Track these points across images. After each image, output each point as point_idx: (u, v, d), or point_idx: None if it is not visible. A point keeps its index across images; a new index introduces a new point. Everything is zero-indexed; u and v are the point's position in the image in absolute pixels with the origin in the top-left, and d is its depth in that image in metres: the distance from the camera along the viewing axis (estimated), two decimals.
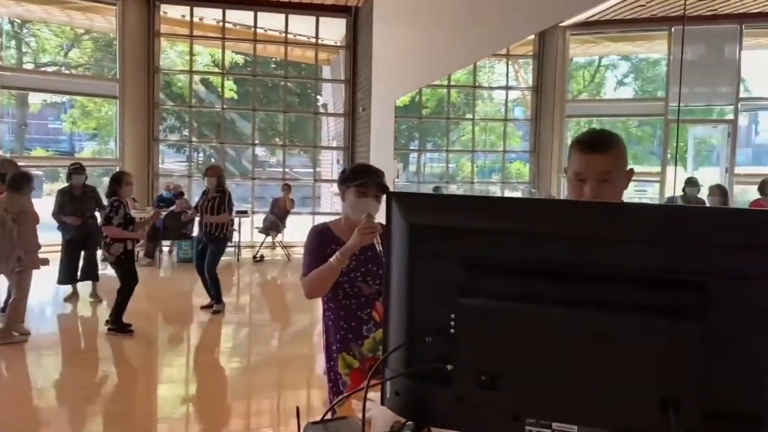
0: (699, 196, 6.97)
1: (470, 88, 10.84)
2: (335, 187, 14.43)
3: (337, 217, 2.60)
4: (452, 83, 10.66)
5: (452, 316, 1.15)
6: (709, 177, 10.35)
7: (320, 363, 2.73)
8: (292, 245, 11.96)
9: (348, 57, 12.86)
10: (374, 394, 1.28)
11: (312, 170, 13.98)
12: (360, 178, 2.46)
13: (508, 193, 10.81)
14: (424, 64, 7.74)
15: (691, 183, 7.08)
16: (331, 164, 14.94)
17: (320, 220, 15.02)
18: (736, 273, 1.00)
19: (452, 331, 1.16)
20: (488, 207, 1.18)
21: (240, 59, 14.55)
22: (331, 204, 15.23)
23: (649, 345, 1.00)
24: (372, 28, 10.63)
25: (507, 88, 10.94)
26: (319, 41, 12.90)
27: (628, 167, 1.70)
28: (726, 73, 10.13)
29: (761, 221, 1.01)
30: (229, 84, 13.84)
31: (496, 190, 11.04)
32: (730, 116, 10.34)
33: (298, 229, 12.76)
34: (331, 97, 14.83)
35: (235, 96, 14.46)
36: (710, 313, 1.01)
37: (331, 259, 2.36)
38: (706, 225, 1.03)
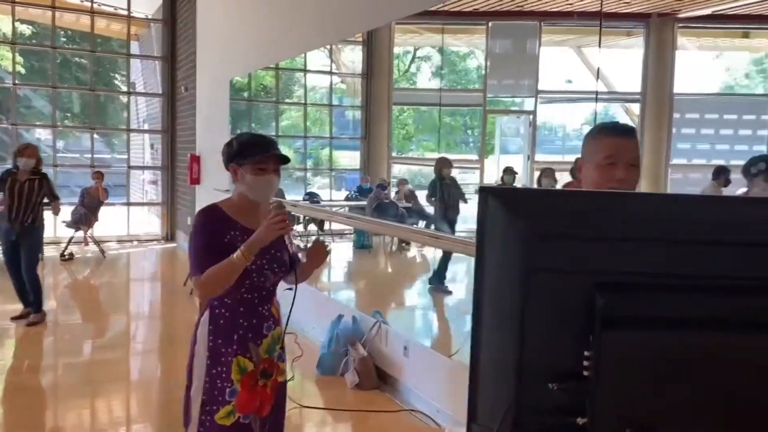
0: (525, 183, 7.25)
1: (300, 72, 10.44)
2: (147, 174, 13.26)
3: (224, 196, 2.31)
4: (280, 66, 10.17)
5: (586, 353, 0.83)
6: (514, 164, 10.98)
7: (197, 375, 2.21)
8: (105, 240, 10.75)
9: (165, 32, 11.74)
10: None
11: (125, 156, 12.62)
12: (256, 153, 2.13)
13: (319, 180, 10.67)
14: (262, 45, 7.28)
15: (509, 171, 7.40)
16: (143, 149, 13.69)
17: (136, 211, 13.78)
18: None
19: (585, 373, 0.83)
20: (637, 205, 0.87)
21: (26, 29, 12.63)
22: (143, 193, 14.00)
23: None
24: (195, 3, 9.76)
25: (331, 73, 10.72)
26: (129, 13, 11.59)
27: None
28: (528, 67, 10.81)
29: None
30: (11, 56, 11.87)
31: (318, 179, 10.84)
32: (531, 107, 11.00)
33: (111, 222, 11.47)
34: (141, 75, 13.52)
35: (22, 71, 12.51)
36: None
37: (234, 256, 2.03)
38: None
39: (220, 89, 8.86)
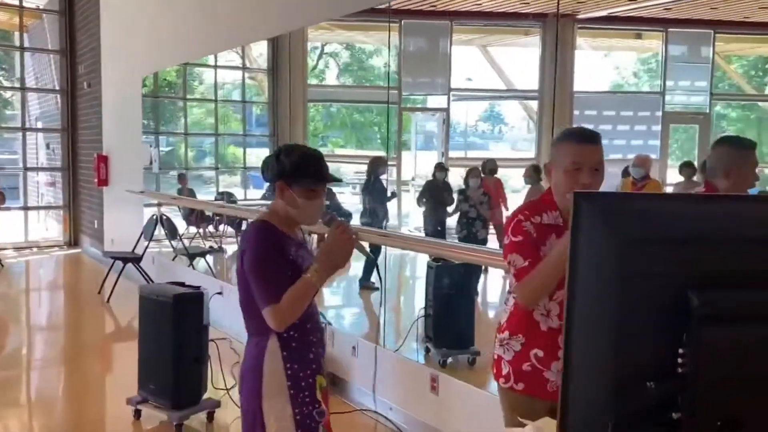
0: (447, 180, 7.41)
1: (208, 67, 10.11)
2: (42, 176, 12.39)
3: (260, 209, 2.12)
4: (189, 61, 9.83)
5: (680, 351, 0.87)
6: (429, 160, 11.18)
7: (277, 415, 1.94)
8: (1, 248, 9.96)
9: (62, 24, 11.00)
10: None
11: (20, 156, 11.71)
12: (311, 173, 1.94)
13: (226, 179, 10.51)
14: (179, 39, 7.01)
15: (441, 168, 7.53)
16: (36, 149, 12.79)
17: (34, 215, 12.89)
18: None
19: (680, 370, 0.87)
20: (727, 206, 0.92)
21: None
22: (38, 197, 13.08)
23: None
24: None
25: (243, 68, 10.50)
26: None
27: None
28: (440, 65, 11.04)
29: None
30: None
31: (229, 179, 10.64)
32: (444, 105, 11.24)
33: (5, 228, 10.62)
34: (32, 70, 12.61)
35: None
36: None
37: (309, 275, 1.87)
38: None
39: (130, 86, 8.46)
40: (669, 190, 10.27)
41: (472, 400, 3.30)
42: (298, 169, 1.93)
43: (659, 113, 10.92)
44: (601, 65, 11.80)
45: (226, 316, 4.11)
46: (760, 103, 12.52)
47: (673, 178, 10.78)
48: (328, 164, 2.03)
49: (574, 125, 11.14)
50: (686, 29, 10.14)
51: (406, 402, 3.65)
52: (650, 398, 0.90)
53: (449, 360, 4.25)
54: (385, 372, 3.87)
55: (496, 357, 2.04)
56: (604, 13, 10.69)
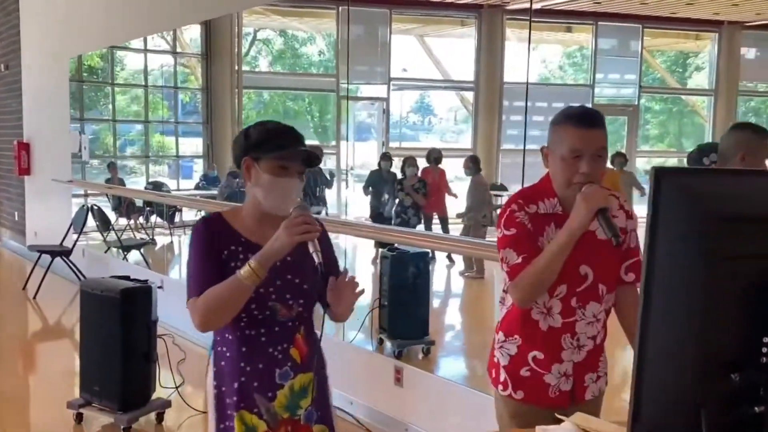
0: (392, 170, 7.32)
1: (135, 52, 9.67)
2: None
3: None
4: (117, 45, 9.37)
5: (765, 340, 0.82)
6: (367, 151, 11.11)
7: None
8: None
9: None
10: None
11: None
12: (279, 145, 1.64)
13: (155, 168, 10.15)
14: (110, 19, 6.64)
15: (386, 157, 7.44)
16: None
17: None
18: None
19: (764, 360, 0.82)
20: None
21: None
22: None
23: None
24: None
25: (174, 53, 10.11)
26: None
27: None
28: (380, 54, 10.96)
29: None
30: None
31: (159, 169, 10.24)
32: (384, 95, 11.17)
33: None
34: None
35: None
36: None
37: (241, 272, 1.57)
38: None
39: (55, 69, 7.94)
40: None
41: (438, 391, 3.26)
42: (265, 141, 1.66)
43: (589, 105, 11.27)
44: (530, 57, 12.06)
45: (167, 311, 3.88)
46: (683, 97, 13.07)
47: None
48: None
49: (504, 117, 11.34)
50: (616, 23, 10.47)
51: (369, 395, 3.56)
52: (732, 391, 0.84)
53: (404, 351, 4.19)
54: (344, 366, 3.77)
55: (494, 360, 1.89)
56: (536, 6, 10.84)
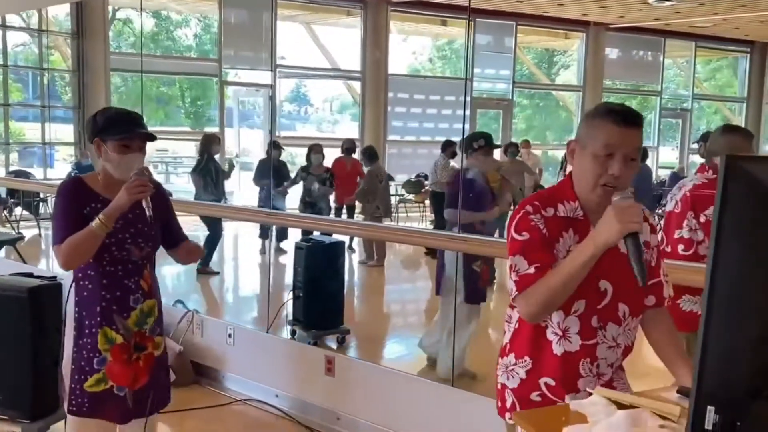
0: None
1: None
2: None
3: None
4: None
5: None
6: (254, 138, 10.93)
7: (66, 347, 2.32)
8: None
9: None
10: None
11: None
12: (121, 130, 2.14)
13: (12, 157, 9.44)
14: None
15: (276, 146, 7.26)
16: None
17: None
18: None
19: None
20: None
21: None
22: None
23: None
24: None
25: (39, 30, 9.40)
26: None
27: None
28: (265, 40, 10.77)
29: None
30: None
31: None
32: (269, 81, 11.04)
33: None
34: None
35: None
36: None
37: (93, 224, 2.07)
38: None
39: None
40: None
41: (372, 378, 3.29)
42: (110, 125, 2.14)
43: (465, 98, 11.68)
44: (403, 49, 12.35)
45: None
46: (554, 92, 13.92)
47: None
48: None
49: (389, 108, 11.50)
50: (492, 20, 10.95)
51: (297, 387, 3.52)
52: None
53: (319, 341, 4.19)
54: (269, 358, 3.70)
55: (499, 386, 1.67)
56: None
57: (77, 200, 2.14)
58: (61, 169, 9.02)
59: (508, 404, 1.63)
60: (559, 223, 1.54)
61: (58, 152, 9.95)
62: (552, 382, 1.56)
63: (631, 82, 13.49)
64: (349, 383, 3.37)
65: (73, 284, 2.24)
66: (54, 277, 3.29)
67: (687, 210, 2.36)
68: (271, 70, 10.29)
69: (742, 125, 13.77)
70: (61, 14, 9.32)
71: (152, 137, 2.20)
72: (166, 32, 11.43)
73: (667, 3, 8.88)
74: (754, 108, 13.39)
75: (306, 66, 10.98)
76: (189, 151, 9.95)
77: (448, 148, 7.26)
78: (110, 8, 10.29)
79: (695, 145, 7.59)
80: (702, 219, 2.34)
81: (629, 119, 1.50)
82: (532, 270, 1.49)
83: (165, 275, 5.48)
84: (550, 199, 1.57)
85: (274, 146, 7.42)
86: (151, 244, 2.27)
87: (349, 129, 12.22)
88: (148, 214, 2.13)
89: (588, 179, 1.52)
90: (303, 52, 10.76)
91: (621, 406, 1.22)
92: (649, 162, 7.53)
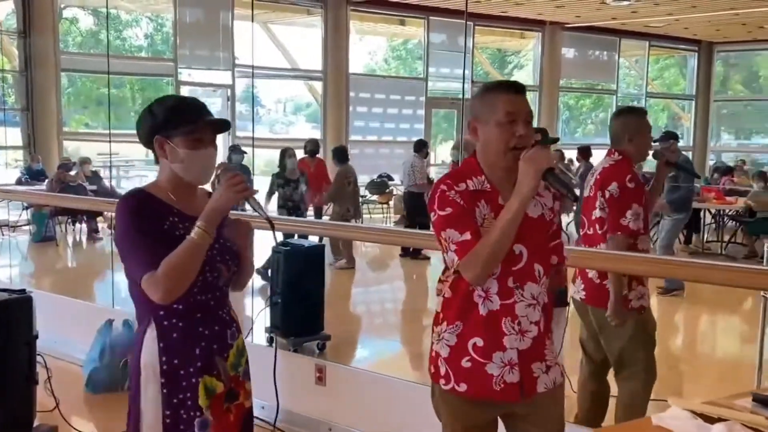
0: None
1: None
2: None
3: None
4: None
5: None
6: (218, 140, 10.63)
7: (149, 416, 1.67)
8: None
9: None
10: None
11: None
12: (188, 120, 1.64)
13: None
14: None
15: (237, 149, 6.99)
16: None
17: None
18: None
19: None
20: None
21: None
22: None
23: None
24: None
25: None
26: None
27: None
28: (222, 39, 10.52)
29: None
30: None
31: None
32: (229, 81, 10.78)
33: None
34: None
35: None
36: None
37: (193, 234, 1.59)
38: None
39: None
40: (435, 170, 10.99)
41: (365, 386, 3.16)
42: (174, 115, 1.66)
43: (423, 98, 11.67)
44: (359, 49, 12.26)
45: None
46: None
47: (438, 159, 11.54)
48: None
49: (351, 108, 11.26)
50: (448, 18, 10.95)
51: (285, 397, 3.37)
52: None
53: (299, 348, 4.04)
54: (253, 368, 3.54)
55: (433, 354, 1.77)
56: None
57: (153, 215, 1.67)
58: (8, 174, 8.56)
59: (442, 372, 1.73)
60: (471, 195, 1.67)
61: (1, 157, 9.47)
62: (480, 342, 1.67)
63: (587, 80, 13.73)
64: (342, 392, 3.24)
65: (150, 328, 1.71)
66: (23, 290, 3.06)
67: (597, 191, 2.49)
68: (230, 70, 10.03)
69: (692, 122, 14.22)
70: (1, 13, 8.88)
71: (226, 125, 1.74)
72: (115, 31, 11.00)
73: (624, 3, 9.03)
74: (702, 104, 13.81)
75: (266, 66, 10.74)
76: (140, 154, 9.58)
77: (422, 148, 7.15)
78: (61, 7, 9.87)
79: None
80: (607, 195, 2.45)
81: (519, 88, 1.69)
82: (468, 236, 1.61)
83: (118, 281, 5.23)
84: (459, 176, 1.70)
85: (236, 150, 7.11)
86: (237, 262, 1.78)
87: (303, 130, 12.04)
88: (263, 216, 1.75)
89: (498, 147, 1.65)
90: (260, 51, 10.48)
91: (706, 418, 1.14)
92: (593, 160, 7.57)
